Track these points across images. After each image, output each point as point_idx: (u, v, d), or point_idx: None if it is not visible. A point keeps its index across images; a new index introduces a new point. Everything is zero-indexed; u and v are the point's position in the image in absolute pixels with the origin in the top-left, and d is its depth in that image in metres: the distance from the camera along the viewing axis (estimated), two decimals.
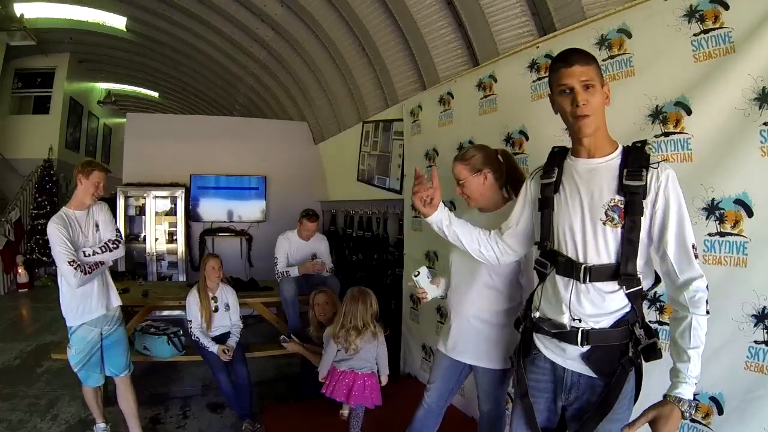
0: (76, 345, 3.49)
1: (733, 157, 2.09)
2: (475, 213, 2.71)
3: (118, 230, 3.68)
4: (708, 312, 1.70)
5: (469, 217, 2.67)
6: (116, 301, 3.65)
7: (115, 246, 3.56)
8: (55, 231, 3.29)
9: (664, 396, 1.69)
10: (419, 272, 2.70)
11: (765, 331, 2.01)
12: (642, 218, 1.75)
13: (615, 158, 1.84)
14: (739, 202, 2.08)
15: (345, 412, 3.67)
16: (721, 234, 2.14)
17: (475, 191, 2.61)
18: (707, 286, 1.73)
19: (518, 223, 2.18)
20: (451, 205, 4.00)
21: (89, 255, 3.40)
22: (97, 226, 3.55)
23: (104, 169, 3.59)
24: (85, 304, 3.43)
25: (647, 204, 1.76)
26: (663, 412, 1.65)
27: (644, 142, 1.84)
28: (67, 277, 3.29)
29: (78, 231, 3.43)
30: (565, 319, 1.86)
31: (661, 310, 2.38)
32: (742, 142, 2.05)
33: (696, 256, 1.74)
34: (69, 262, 3.24)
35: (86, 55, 12.79)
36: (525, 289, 2.55)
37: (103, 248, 3.49)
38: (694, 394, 2.13)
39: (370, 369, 3.51)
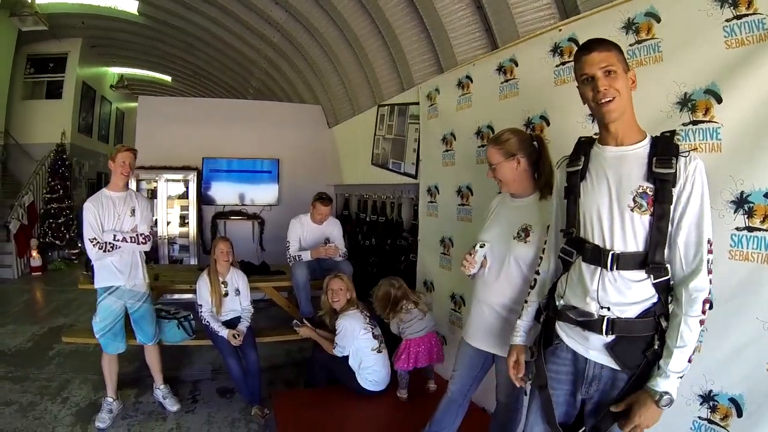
0: (101, 313, 3.86)
1: (764, 149, 2.00)
2: (507, 199, 2.68)
3: (152, 229, 4.00)
4: (704, 313, 1.69)
5: (500, 206, 2.71)
6: (140, 279, 3.97)
7: (143, 241, 3.92)
8: (86, 210, 3.76)
9: (644, 385, 1.75)
10: (485, 245, 2.61)
11: None
12: (671, 206, 1.73)
13: (644, 146, 1.82)
14: None
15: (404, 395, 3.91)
16: (750, 229, 2.05)
17: (507, 176, 2.56)
18: (708, 286, 1.71)
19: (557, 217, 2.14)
20: (468, 190, 3.97)
21: (118, 239, 3.80)
22: (133, 211, 3.90)
23: (128, 149, 3.90)
24: (105, 272, 3.81)
25: (675, 193, 1.73)
26: (637, 399, 1.73)
27: (673, 132, 1.81)
28: (87, 251, 3.78)
29: (111, 210, 3.82)
30: (593, 308, 1.84)
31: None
32: None
33: (710, 251, 1.71)
34: (90, 240, 3.72)
35: (99, 39, 12.83)
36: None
37: (132, 238, 3.86)
38: (714, 394, 2.13)
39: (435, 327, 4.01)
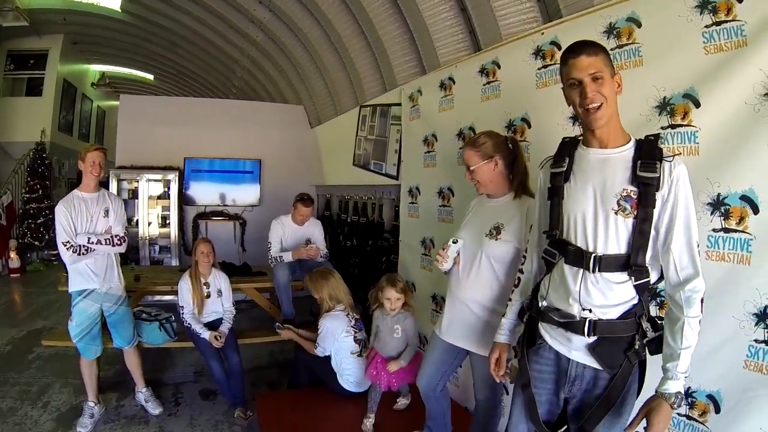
0: (77, 317, 3.77)
1: (740, 152, 2.05)
2: (483, 201, 2.75)
3: (126, 230, 3.98)
4: (702, 312, 1.72)
5: (477, 206, 2.79)
6: (116, 281, 3.91)
7: (119, 243, 3.84)
8: (58, 213, 3.66)
9: (655, 390, 1.76)
10: (458, 241, 2.69)
11: (766, 330, 1.99)
12: (654, 210, 1.75)
13: (628, 149, 1.84)
14: (745, 198, 2.05)
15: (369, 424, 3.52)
16: (726, 230, 2.11)
17: (485, 177, 2.62)
18: (704, 287, 1.74)
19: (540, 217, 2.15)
20: (449, 191, 3.98)
21: (93, 242, 3.70)
22: (106, 212, 3.82)
23: (98, 149, 3.79)
24: (81, 274, 3.72)
25: (659, 197, 1.75)
26: (653, 406, 1.74)
27: (657, 136, 1.84)
28: (61, 254, 3.69)
29: (83, 211, 3.72)
30: (575, 310, 1.86)
31: (661, 305, 2.34)
32: (750, 137, 2.01)
33: (698, 253, 1.74)
34: (63, 243, 3.62)
35: (80, 36, 12.63)
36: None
37: (107, 240, 3.77)
38: (692, 391, 2.18)
39: None
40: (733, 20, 2.08)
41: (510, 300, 2.30)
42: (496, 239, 2.56)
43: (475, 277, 2.62)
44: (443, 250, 2.69)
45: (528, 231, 2.28)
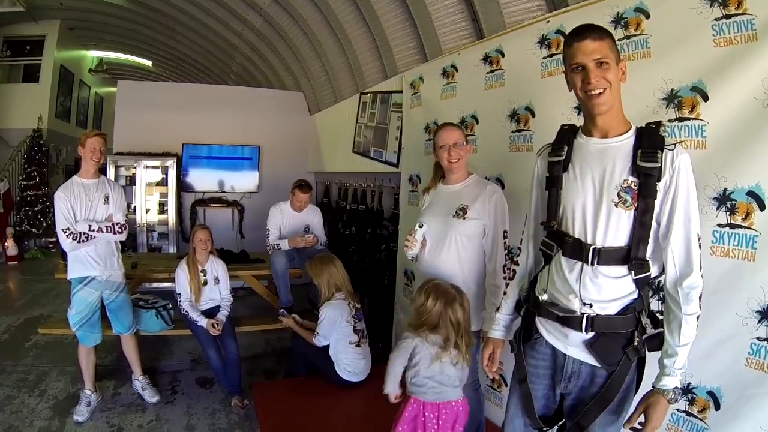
0: (76, 305, 3.78)
1: (748, 148, 2.03)
2: (440, 188, 2.95)
3: (127, 217, 3.97)
4: (700, 308, 1.69)
5: (434, 196, 2.97)
6: (116, 269, 3.91)
7: (119, 231, 3.83)
8: (57, 199, 3.65)
9: (652, 386, 1.75)
10: (423, 225, 2.82)
11: None
12: (655, 201, 1.71)
13: (629, 138, 1.78)
14: (751, 194, 2.02)
15: None
16: (731, 226, 2.09)
17: (464, 157, 2.82)
18: (701, 283, 1.70)
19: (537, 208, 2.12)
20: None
21: (94, 229, 3.69)
22: (106, 199, 3.81)
23: (97, 134, 3.80)
24: (81, 262, 3.72)
25: (660, 187, 1.70)
26: (651, 402, 1.72)
27: (659, 123, 1.78)
28: (60, 241, 3.68)
29: (83, 198, 3.71)
30: (575, 304, 1.81)
31: (664, 300, 2.32)
32: (759, 132, 1.98)
33: (699, 246, 1.70)
34: (63, 230, 3.60)
35: (77, 21, 12.51)
36: (487, 253, 2.76)
37: (108, 228, 3.76)
38: (692, 387, 2.17)
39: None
40: (743, 14, 2.05)
41: (504, 294, 2.27)
42: (464, 218, 2.71)
43: (448, 255, 2.74)
44: (411, 235, 2.82)
45: (524, 222, 2.24)
